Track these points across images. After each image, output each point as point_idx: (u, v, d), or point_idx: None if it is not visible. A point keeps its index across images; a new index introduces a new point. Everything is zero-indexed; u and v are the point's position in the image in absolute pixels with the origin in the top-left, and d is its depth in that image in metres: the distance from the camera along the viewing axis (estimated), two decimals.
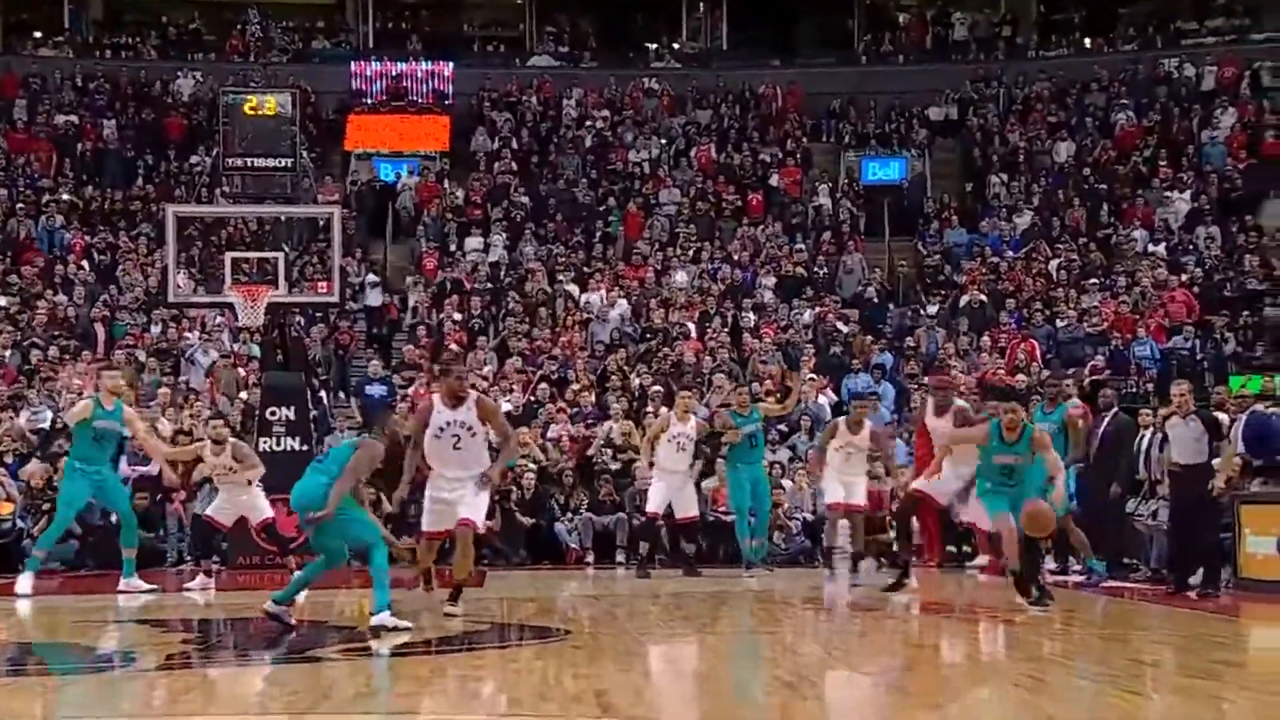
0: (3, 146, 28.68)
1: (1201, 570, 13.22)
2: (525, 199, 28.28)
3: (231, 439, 14.95)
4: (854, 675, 8.43)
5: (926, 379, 19.23)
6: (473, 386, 11.57)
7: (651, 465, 16.30)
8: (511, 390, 20.85)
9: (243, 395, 20.33)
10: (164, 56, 32.38)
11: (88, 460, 13.99)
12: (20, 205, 26.69)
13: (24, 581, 13.68)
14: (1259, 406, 15.45)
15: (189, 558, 17.15)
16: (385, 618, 9.70)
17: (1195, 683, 7.79)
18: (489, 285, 25.26)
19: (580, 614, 12.17)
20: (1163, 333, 22.49)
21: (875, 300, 25.30)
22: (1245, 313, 23.34)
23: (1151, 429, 14.91)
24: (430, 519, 10.97)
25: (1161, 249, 25.63)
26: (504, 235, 26.98)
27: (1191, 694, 7.38)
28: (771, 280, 25.71)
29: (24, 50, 32.49)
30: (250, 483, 14.66)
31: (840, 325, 23.94)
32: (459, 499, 10.66)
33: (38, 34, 33.32)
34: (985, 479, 12.05)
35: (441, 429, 10.67)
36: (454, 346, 21.34)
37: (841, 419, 16.04)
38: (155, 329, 22.98)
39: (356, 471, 9.79)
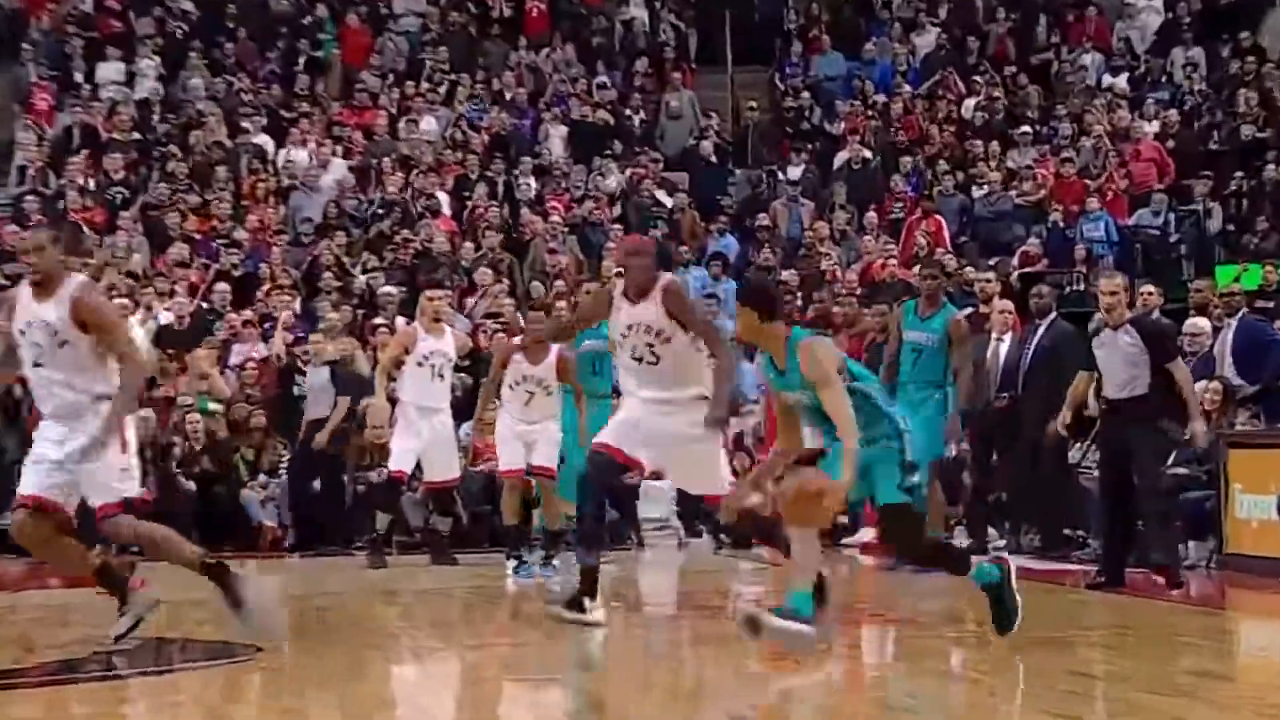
0: None
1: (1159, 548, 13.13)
2: (189, 5, 27.88)
3: None
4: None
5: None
6: None
7: (392, 403, 16.04)
8: (173, 293, 20.59)
9: None
10: None
11: None
12: None
13: None
14: (1251, 310, 15.88)
15: None
16: None
17: (1159, 701, 8.05)
18: (136, 136, 24.88)
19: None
20: (1122, 204, 22.96)
21: (713, 159, 25.47)
22: (1238, 173, 23.89)
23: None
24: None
25: (1122, 81, 26.13)
26: (156, 59, 26.60)
27: (1155, 716, 7.63)
28: (562, 130, 25.73)
29: None
30: None
31: (662, 196, 24.07)
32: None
33: None
34: None
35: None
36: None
37: (516, 339, 15.85)
38: None
39: None
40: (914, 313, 14.66)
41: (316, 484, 18.44)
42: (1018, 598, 9.41)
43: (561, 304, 19.11)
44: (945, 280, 15.91)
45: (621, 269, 11.50)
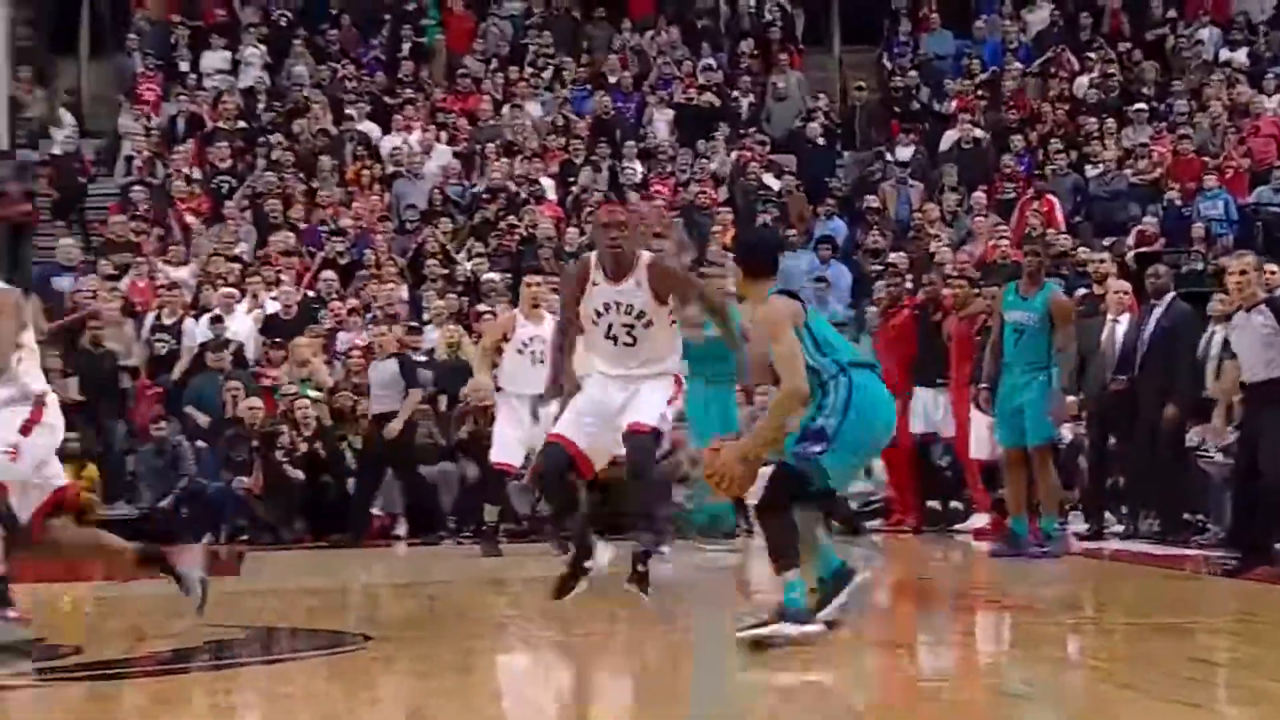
0: None
1: None
2: None
3: None
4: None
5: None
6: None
7: (498, 390, 15.96)
8: (279, 282, 20.71)
9: None
10: None
11: None
12: None
13: None
14: None
15: None
16: None
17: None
18: (241, 124, 25.01)
19: (387, 612, 12.15)
20: (1242, 181, 22.68)
21: (820, 141, 25.38)
22: None
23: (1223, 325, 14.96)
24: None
25: (1241, 55, 25.82)
26: (262, 49, 26.75)
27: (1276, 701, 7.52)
28: (667, 113, 25.70)
29: None
30: None
31: (769, 178, 23.99)
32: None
33: None
34: None
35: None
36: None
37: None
38: None
39: None
40: (1015, 292, 14.34)
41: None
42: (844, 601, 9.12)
43: None
44: (1047, 258, 15.62)
45: (602, 241, 10.89)
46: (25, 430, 9.45)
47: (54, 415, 9.73)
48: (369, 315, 20.20)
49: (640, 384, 10.60)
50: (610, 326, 10.53)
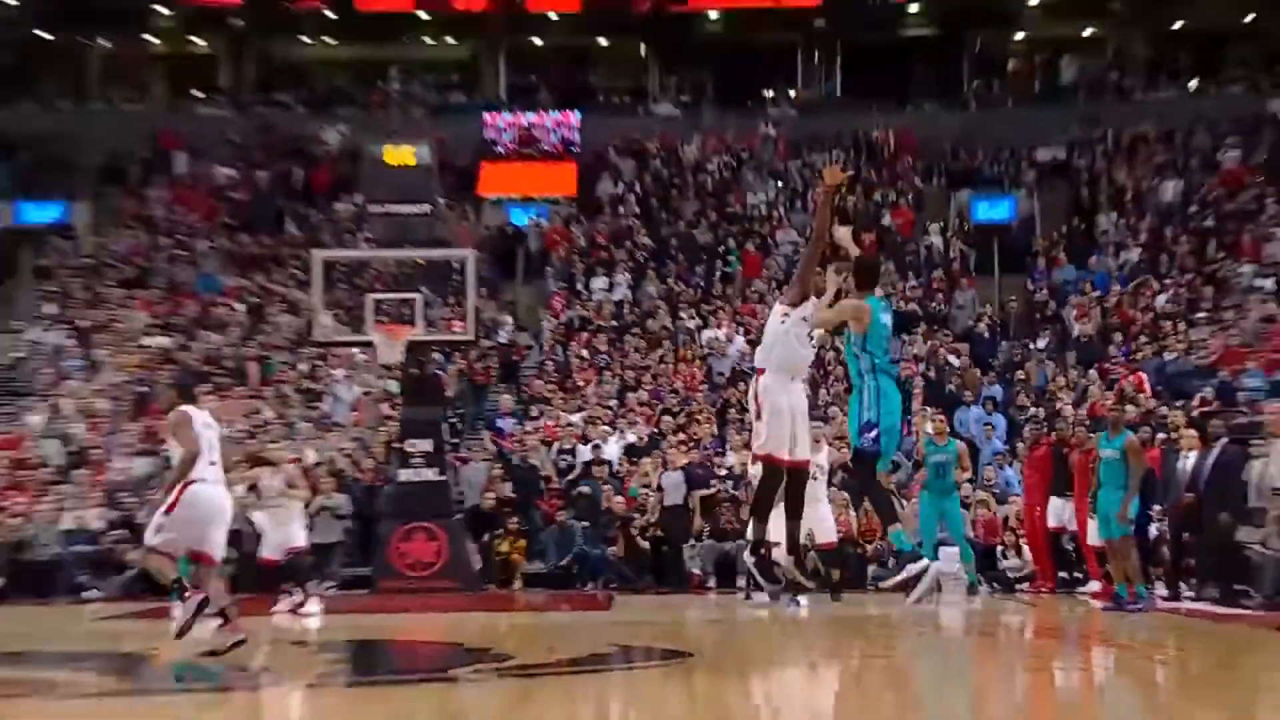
0: (165, 197, 29.46)
1: None
2: (648, 240, 28.37)
3: (289, 464, 15.12)
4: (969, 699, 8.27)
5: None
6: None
7: None
8: (635, 423, 20.89)
9: (383, 429, 20.62)
10: (312, 112, 33.04)
11: None
12: (180, 251, 27.44)
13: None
14: None
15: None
16: None
17: None
18: (614, 322, 25.37)
19: (703, 637, 12.07)
20: (1271, 365, 21.84)
21: (986, 335, 24.97)
22: None
23: (1261, 459, 14.51)
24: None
25: (1269, 283, 24.90)
26: (628, 275, 27.11)
27: None
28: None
29: (184, 109, 33.36)
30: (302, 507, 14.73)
31: (952, 358, 23.64)
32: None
33: (197, 94, 34.21)
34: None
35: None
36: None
37: None
38: (303, 366, 23.43)
39: None
40: (1105, 436, 14.18)
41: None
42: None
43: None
44: (1124, 413, 15.33)
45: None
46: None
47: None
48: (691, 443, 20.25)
49: None
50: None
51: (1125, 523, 13.87)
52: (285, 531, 15.19)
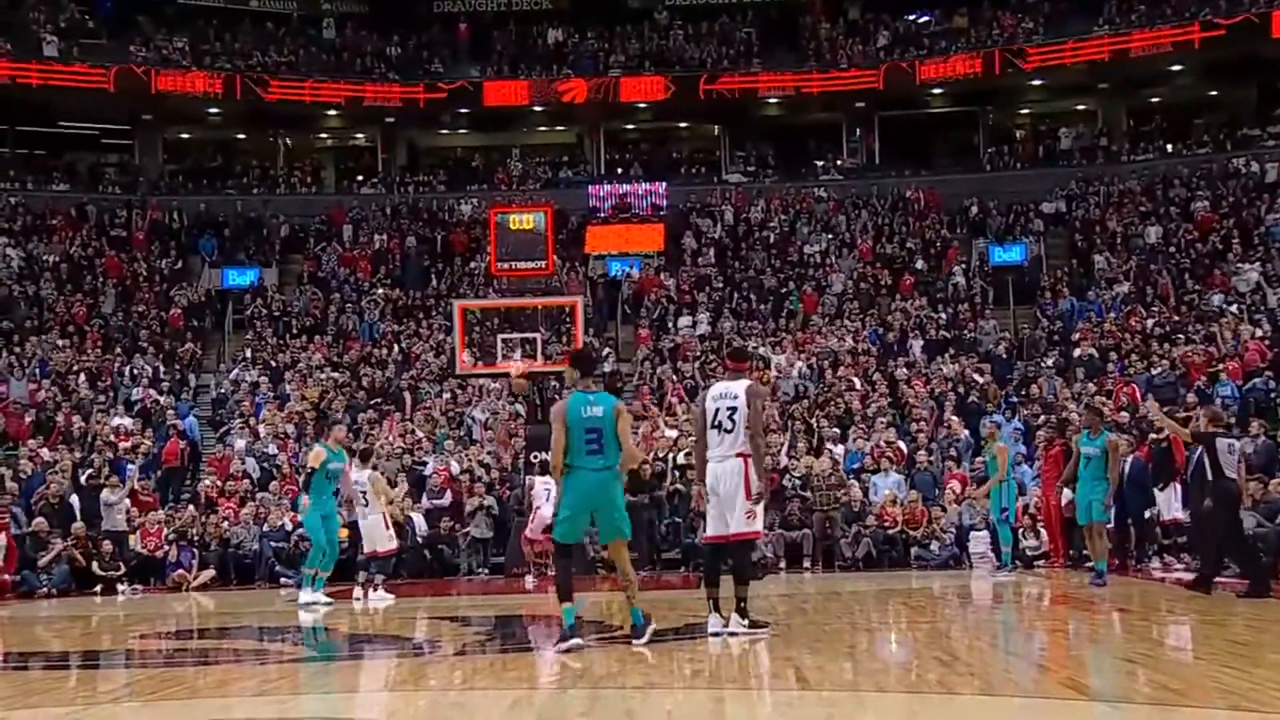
0: (335, 261, 29.99)
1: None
2: (723, 285, 28.36)
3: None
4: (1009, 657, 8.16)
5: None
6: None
7: None
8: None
9: (513, 443, 20.77)
10: (450, 188, 33.50)
11: (319, 492, 13.46)
12: (347, 304, 27.91)
13: (305, 594, 13.39)
14: None
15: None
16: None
17: None
18: (698, 353, 25.32)
19: (777, 610, 12.03)
20: (1240, 375, 21.35)
21: (1004, 356, 24.67)
22: None
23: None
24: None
25: (1234, 309, 24.42)
26: (708, 314, 27.13)
27: None
28: (920, 342, 25.30)
29: (350, 190, 34.04)
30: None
31: (976, 376, 23.37)
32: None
33: (359, 177, 34.95)
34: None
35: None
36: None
37: None
38: (446, 395, 23.70)
39: None
40: (1087, 436, 13.77)
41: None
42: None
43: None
44: (1100, 417, 14.68)
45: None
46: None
47: None
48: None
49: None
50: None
51: (1105, 511, 13.59)
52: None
